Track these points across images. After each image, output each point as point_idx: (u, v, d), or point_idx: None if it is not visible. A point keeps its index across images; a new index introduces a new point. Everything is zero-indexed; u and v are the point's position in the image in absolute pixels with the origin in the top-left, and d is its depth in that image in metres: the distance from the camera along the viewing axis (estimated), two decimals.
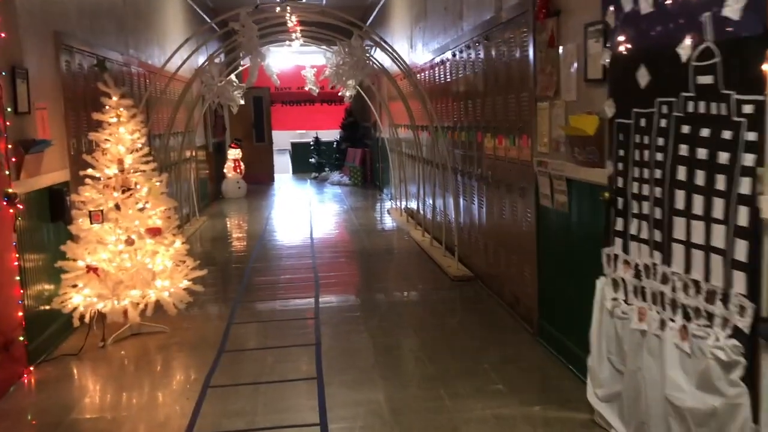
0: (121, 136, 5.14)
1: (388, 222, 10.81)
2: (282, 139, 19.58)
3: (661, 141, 2.97)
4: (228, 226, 11.39)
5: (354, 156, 16.68)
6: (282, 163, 19.67)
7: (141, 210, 5.12)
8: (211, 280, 6.76)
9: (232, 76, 10.28)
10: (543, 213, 4.73)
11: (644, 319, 3.12)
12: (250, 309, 6.03)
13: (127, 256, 5.08)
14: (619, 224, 3.33)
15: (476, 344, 4.88)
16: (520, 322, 5.26)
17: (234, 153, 14.81)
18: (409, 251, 8.27)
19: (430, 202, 8.61)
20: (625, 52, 3.22)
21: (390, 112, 10.63)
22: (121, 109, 5.15)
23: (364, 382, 4.25)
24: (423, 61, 8.86)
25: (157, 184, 5.23)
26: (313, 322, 5.53)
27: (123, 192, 5.10)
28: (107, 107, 5.13)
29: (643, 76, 3.07)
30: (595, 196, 3.82)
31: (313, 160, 18.32)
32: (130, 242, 5.06)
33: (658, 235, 3.02)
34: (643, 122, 3.10)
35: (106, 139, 5.12)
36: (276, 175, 17.98)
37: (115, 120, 5.14)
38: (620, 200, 3.32)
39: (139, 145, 5.22)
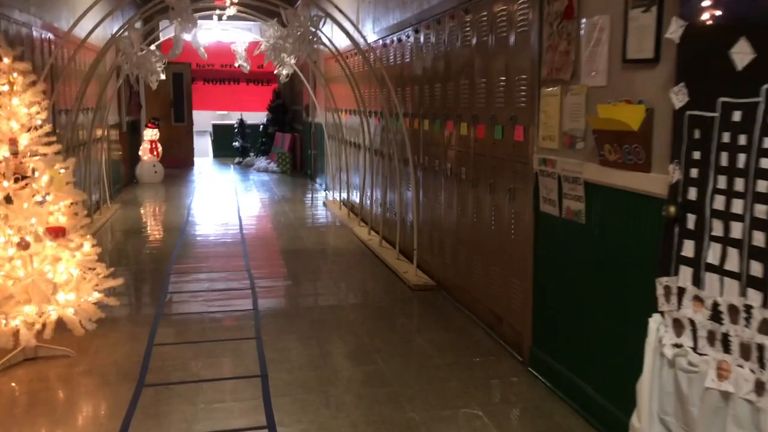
0: (14, 109, 4.03)
1: (327, 216, 9.85)
2: (202, 120, 18.24)
3: None
4: (144, 215, 10.17)
5: (282, 141, 15.58)
6: (202, 146, 18.33)
7: (40, 204, 4.05)
8: (125, 285, 5.69)
9: (153, 47, 9.06)
10: (543, 221, 3.93)
11: (726, 377, 2.36)
12: (174, 325, 4.99)
13: (21, 263, 3.99)
14: (689, 249, 2.55)
15: (458, 375, 4.04)
16: (502, 346, 4.48)
17: (150, 133, 13.53)
18: (356, 252, 7.36)
19: (379, 197, 7.73)
20: (710, 23, 2.43)
21: (331, 95, 9.66)
22: (15, 75, 4.05)
23: None
24: (373, 39, 7.95)
25: (62, 171, 4.15)
26: (255, 344, 4.58)
27: (16, 181, 4.01)
28: None
29: (742, 54, 2.28)
30: (631, 207, 3.06)
31: (236, 144, 17.10)
32: (24, 245, 3.97)
33: (757, 269, 2.25)
34: (737, 116, 2.32)
35: None
36: (195, 159, 16.65)
37: (6, 88, 4.03)
38: (691, 217, 2.54)
39: (39, 122, 4.14)
